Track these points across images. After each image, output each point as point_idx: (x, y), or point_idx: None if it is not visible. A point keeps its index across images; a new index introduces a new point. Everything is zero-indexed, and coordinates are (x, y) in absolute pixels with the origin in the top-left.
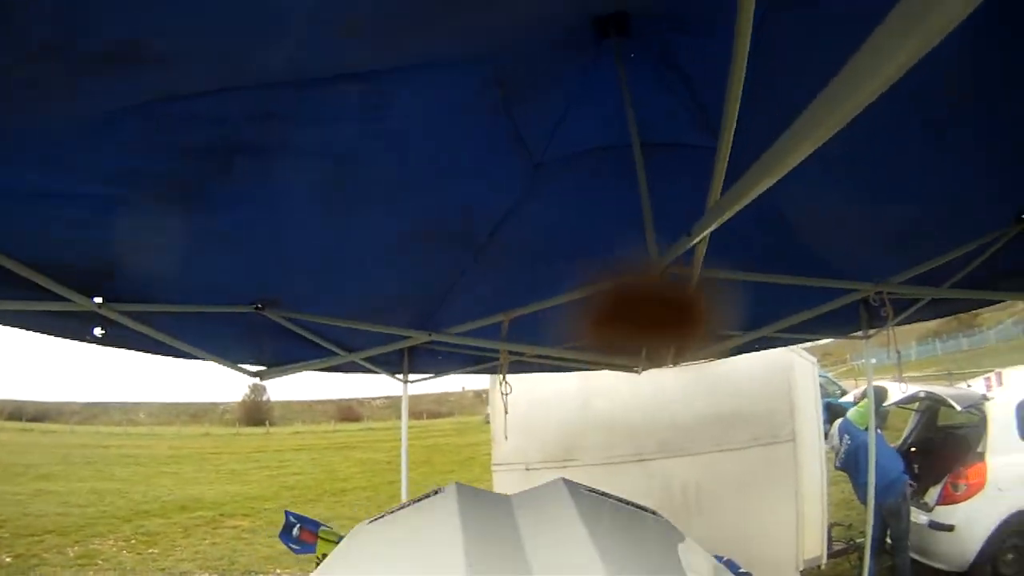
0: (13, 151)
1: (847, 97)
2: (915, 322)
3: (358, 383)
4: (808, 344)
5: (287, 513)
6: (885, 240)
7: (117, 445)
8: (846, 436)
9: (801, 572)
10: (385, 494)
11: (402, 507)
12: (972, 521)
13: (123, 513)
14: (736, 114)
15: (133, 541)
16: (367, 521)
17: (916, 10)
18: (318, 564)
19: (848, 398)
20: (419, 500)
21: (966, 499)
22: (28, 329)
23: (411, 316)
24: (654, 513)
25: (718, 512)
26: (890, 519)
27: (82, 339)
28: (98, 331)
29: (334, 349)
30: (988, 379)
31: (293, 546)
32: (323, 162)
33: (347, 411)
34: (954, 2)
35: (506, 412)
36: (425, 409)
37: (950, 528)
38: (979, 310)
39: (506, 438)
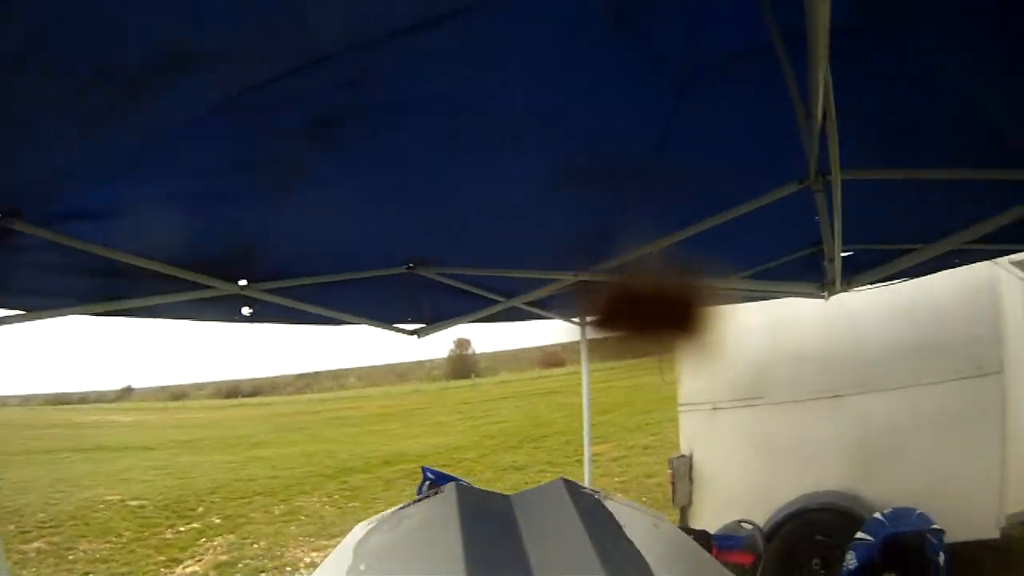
0: (126, 166)
1: None
2: None
3: (560, 330)
4: (1021, 257)
5: (424, 469)
6: None
7: (328, 410)
8: None
9: (1002, 529)
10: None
11: (402, 507)
12: None
13: (329, 472)
14: None
15: (336, 496)
16: (366, 521)
17: None
18: None
19: None
20: (419, 500)
21: None
22: (188, 319)
23: (581, 256)
24: (654, 514)
25: (912, 456)
26: None
27: (232, 320)
28: (246, 310)
29: (493, 297)
30: None
31: None
32: (433, 116)
33: (551, 357)
34: None
35: None
36: None
37: None
38: None
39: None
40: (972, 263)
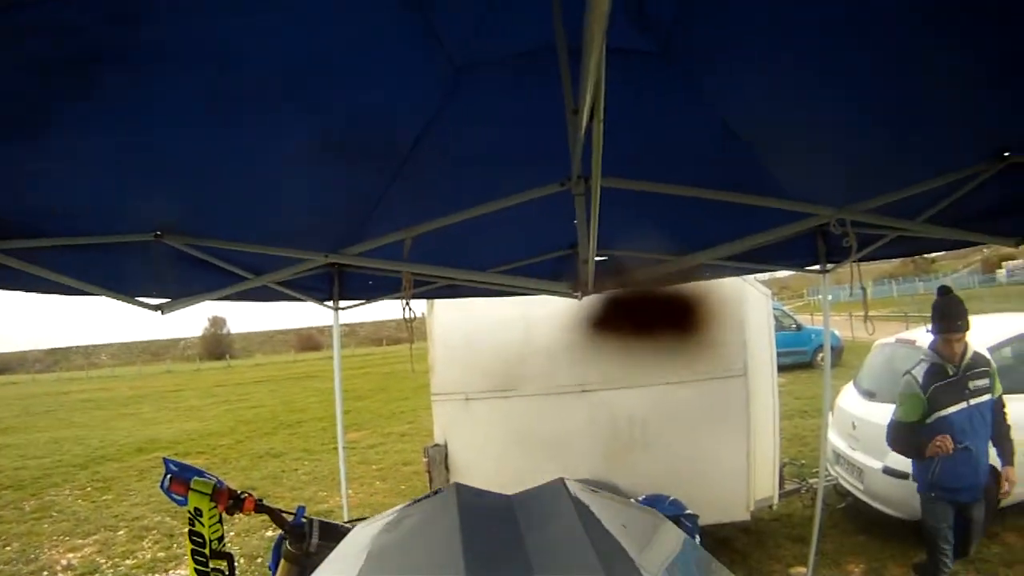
0: None
1: None
2: (878, 259)
3: (318, 312)
4: (765, 276)
5: (166, 461)
6: (849, 165)
7: (78, 390)
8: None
9: (751, 512)
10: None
11: (401, 507)
12: None
13: (80, 460)
14: None
15: (88, 489)
16: (365, 522)
17: None
18: (190, 519)
19: None
20: (419, 500)
21: None
22: None
23: (335, 238)
24: (656, 514)
25: (665, 448)
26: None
27: None
28: None
29: (243, 274)
30: None
31: (175, 496)
32: (202, 68)
33: (307, 340)
34: None
35: (412, 343)
36: (386, 335)
37: (905, 476)
38: (936, 255)
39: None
40: (722, 278)
